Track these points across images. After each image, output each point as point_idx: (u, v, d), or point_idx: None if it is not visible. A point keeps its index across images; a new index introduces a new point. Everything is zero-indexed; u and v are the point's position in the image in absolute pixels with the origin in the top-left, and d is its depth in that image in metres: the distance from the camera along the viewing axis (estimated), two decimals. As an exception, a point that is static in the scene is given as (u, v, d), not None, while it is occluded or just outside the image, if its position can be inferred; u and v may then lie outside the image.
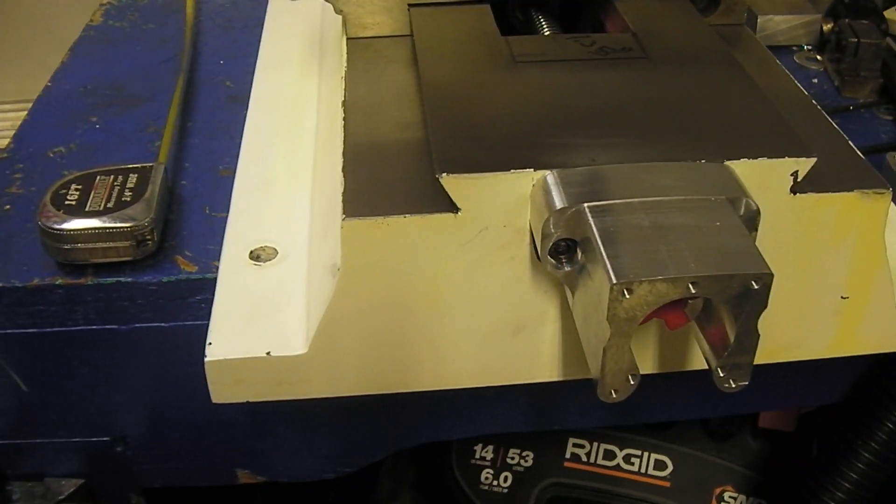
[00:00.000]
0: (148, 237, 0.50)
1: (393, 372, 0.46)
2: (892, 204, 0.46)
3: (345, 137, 0.47)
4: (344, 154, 0.46)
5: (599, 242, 0.38)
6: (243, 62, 0.71)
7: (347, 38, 0.57)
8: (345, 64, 0.54)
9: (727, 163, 0.42)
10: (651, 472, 0.65)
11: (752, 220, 0.41)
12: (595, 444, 0.65)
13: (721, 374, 0.39)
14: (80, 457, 0.58)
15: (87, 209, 0.50)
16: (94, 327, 0.52)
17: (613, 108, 0.48)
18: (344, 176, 0.45)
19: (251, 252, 0.50)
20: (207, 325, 0.46)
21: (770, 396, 0.60)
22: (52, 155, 0.62)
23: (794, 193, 0.44)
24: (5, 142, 0.63)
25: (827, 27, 0.76)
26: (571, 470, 0.64)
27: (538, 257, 0.42)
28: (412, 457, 0.62)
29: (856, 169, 0.46)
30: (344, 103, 0.50)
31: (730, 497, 0.68)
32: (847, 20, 0.73)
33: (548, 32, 0.59)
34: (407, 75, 0.53)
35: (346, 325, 0.44)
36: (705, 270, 0.37)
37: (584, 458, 0.65)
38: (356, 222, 0.42)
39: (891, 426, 0.55)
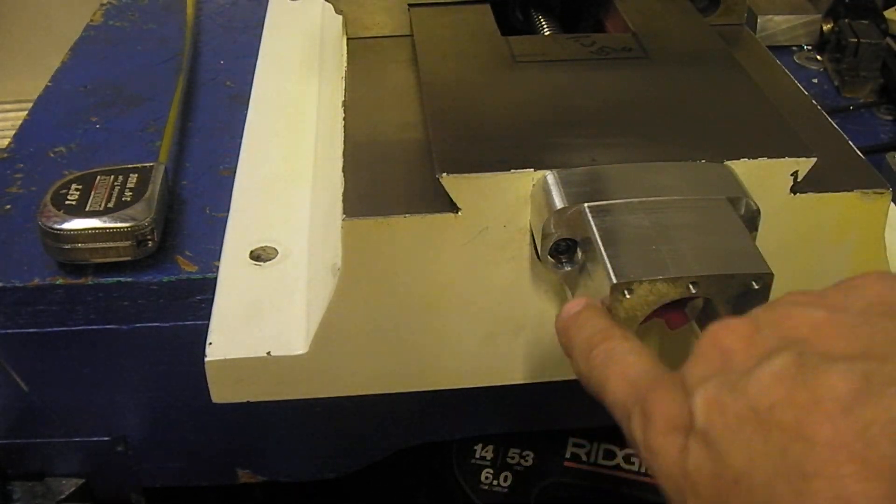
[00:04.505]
0: (148, 237, 0.50)
1: (393, 372, 0.46)
2: (892, 204, 0.46)
3: (345, 137, 0.47)
4: (344, 154, 0.46)
5: (600, 242, 0.38)
6: (243, 62, 0.71)
7: (347, 38, 0.57)
8: (345, 64, 0.54)
9: (727, 163, 0.42)
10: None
11: (752, 220, 0.41)
12: (595, 443, 0.65)
13: (721, 374, 0.39)
14: (80, 456, 0.58)
15: (87, 209, 0.50)
16: (95, 327, 0.52)
17: (614, 107, 0.48)
18: (344, 176, 0.45)
19: (251, 252, 0.50)
20: (207, 325, 0.46)
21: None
22: (52, 155, 0.62)
23: (794, 193, 0.44)
24: (6, 142, 0.63)
25: (827, 27, 0.76)
26: (571, 470, 0.64)
27: (538, 257, 0.42)
28: (412, 457, 0.62)
29: (856, 169, 0.46)
30: (344, 103, 0.50)
31: (730, 497, 0.68)
32: (847, 20, 0.73)
33: (548, 32, 0.59)
34: (407, 75, 0.53)
35: (346, 325, 0.44)
36: (705, 270, 0.37)
37: (584, 458, 0.65)
38: (356, 222, 0.42)
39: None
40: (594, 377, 0.33)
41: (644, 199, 0.40)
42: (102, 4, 0.83)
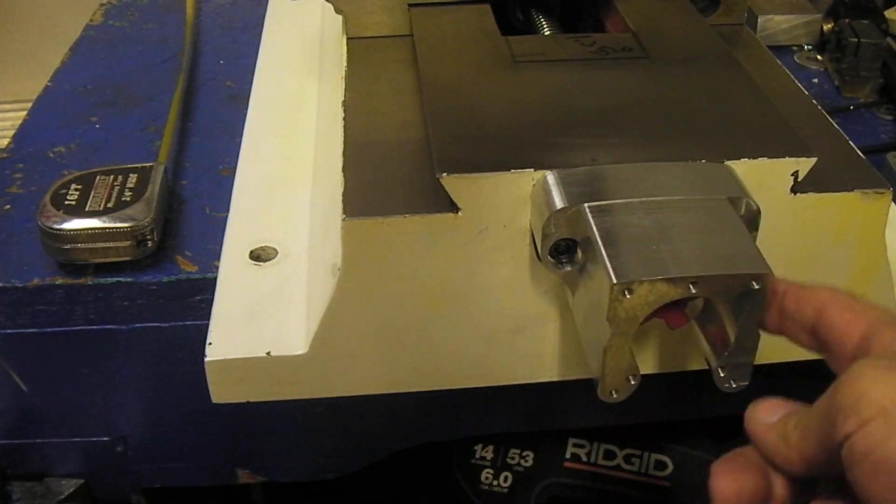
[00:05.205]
0: (148, 237, 0.50)
1: (393, 372, 0.46)
2: (893, 204, 0.46)
3: (345, 137, 0.47)
4: (344, 154, 0.46)
5: (600, 242, 0.38)
6: (243, 62, 0.71)
7: (347, 38, 0.57)
8: (345, 64, 0.54)
9: (727, 163, 0.42)
10: (651, 472, 0.65)
11: (752, 220, 0.41)
12: (595, 444, 0.65)
13: (721, 374, 0.39)
14: (80, 457, 0.58)
15: (87, 209, 0.50)
16: (94, 327, 0.52)
17: (614, 107, 0.48)
18: (344, 176, 0.45)
19: (251, 252, 0.50)
20: (207, 325, 0.46)
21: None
22: (52, 155, 0.62)
23: (795, 193, 0.44)
24: (5, 142, 0.63)
25: (827, 27, 0.76)
26: (571, 470, 0.64)
27: (538, 257, 0.42)
28: (412, 457, 0.62)
29: (856, 169, 0.46)
30: (344, 103, 0.50)
31: (730, 497, 0.68)
32: (847, 20, 0.73)
33: (548, 32, 0.59)
34: (407, 75, 0.53)
35: (346, 325, 0.44)
36: (706, 270, 0.37)
37: (584, 458, 0.65)
38: (356, 222, 0.42)
39: (891, 426, 0.55)
40: None
41: (644, 199, 0.40)
42: (102, 4, 0.83)
